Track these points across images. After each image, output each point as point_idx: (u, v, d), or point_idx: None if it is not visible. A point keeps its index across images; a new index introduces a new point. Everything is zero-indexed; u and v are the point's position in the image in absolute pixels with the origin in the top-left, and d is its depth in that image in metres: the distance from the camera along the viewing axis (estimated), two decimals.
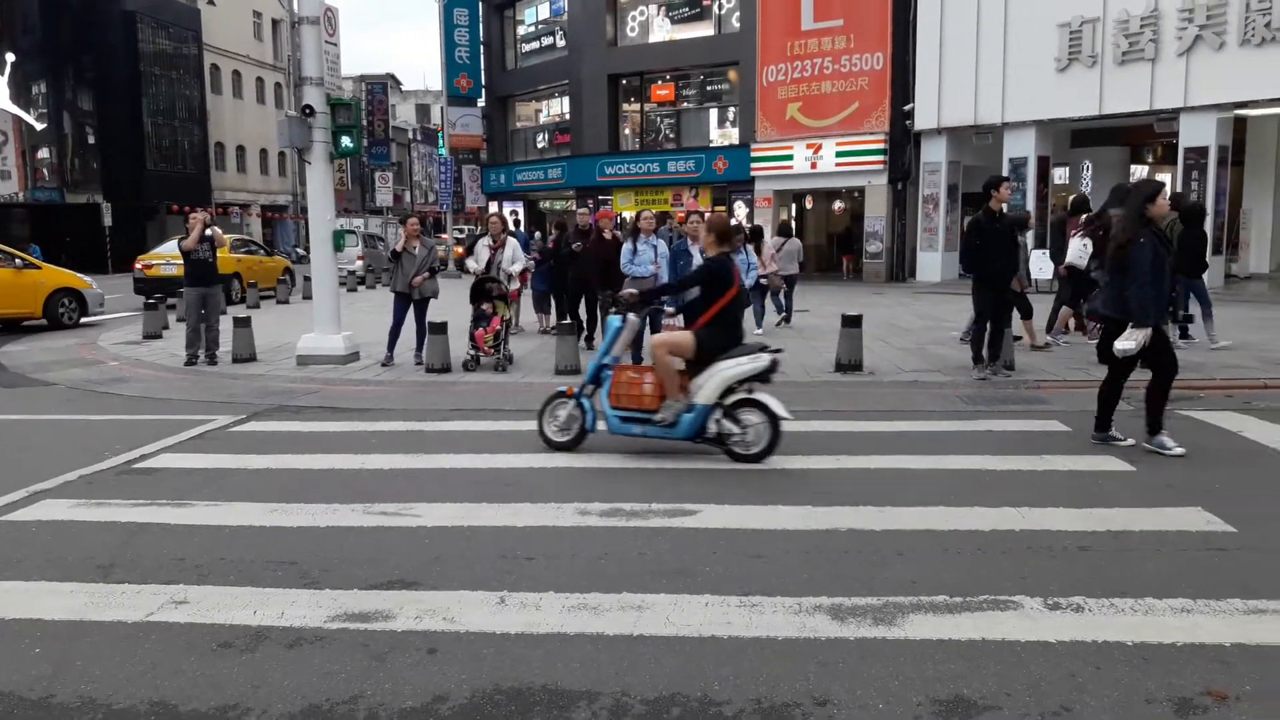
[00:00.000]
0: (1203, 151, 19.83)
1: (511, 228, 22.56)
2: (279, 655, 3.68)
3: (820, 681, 3.39)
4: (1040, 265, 11.63)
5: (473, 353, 10.96)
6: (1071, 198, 13.21)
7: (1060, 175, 25.70)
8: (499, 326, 10.97)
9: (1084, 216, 11.82)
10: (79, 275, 17.96)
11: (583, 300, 12.51)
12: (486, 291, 11.19)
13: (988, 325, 9.66)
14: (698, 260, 9.87)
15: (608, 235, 11.67)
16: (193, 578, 4.50)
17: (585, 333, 12.18)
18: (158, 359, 12.34)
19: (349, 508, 5.57)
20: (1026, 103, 22.29)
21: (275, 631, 3.89)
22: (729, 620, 3.91)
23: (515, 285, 12.08)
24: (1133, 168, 26.53)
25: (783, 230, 15.87)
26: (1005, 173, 22.67)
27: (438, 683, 3.43)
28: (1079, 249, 11.33)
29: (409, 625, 3.92)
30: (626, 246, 10.81)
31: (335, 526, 5.26)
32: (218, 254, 11.87)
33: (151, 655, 3.70)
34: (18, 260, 16.73)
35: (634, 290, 7.71)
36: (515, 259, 12.14)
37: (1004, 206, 9.80)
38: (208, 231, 11.50)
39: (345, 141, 10.97)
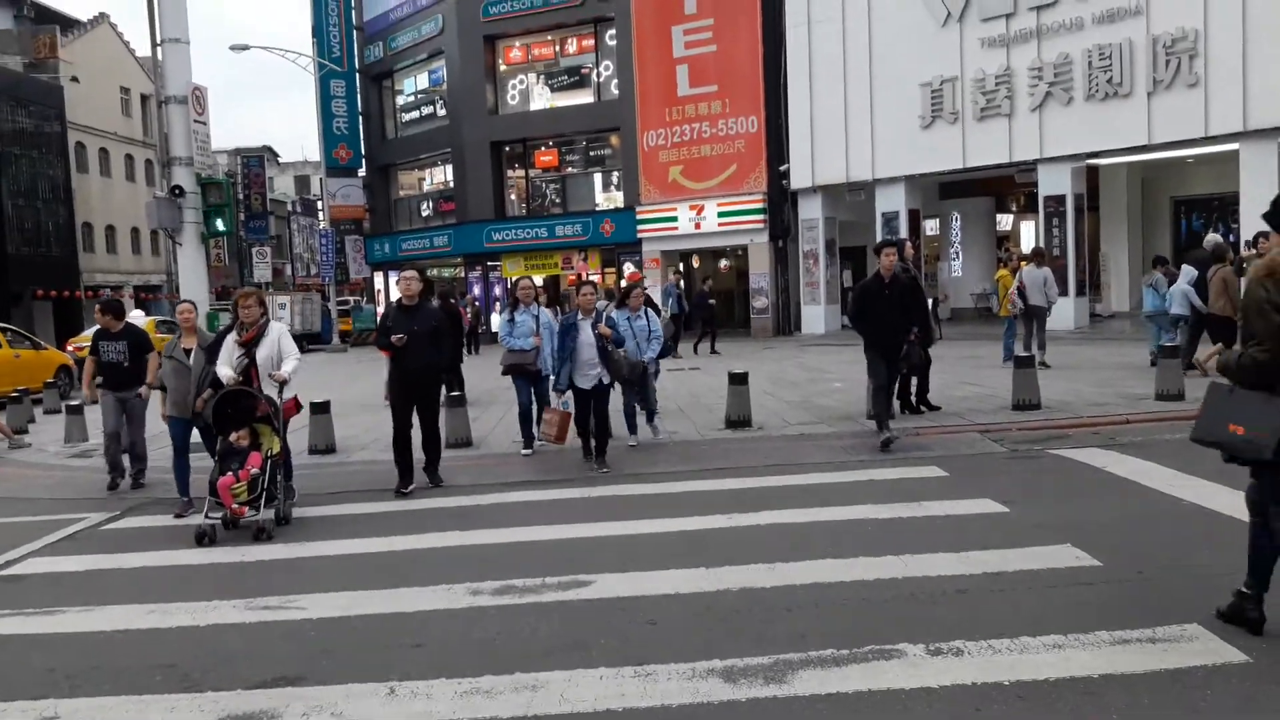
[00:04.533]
0: (1060, 199, 21.07)
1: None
2: None
3: None
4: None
5: (216, 516, 6.85)
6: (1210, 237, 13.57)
7: (931, 227, 26.90)
8: (258, 467, 6.97)
9: (1232, 256, 12.26)
10: (64, 352, 21.01)
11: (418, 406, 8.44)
12: (234, 415, 7.18)
13: (882, 385, 9.15)
14: (587, 334, 8.79)
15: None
16: (64, 690, 4.28)
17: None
18: (24, 455, 11.73)
19: (230, 604, 5.38)
20: (895, 159, 23.32)
21: None
22: (623, 692, 3.91)
23: (291, 394, 7.74)
24: (998, 217, 27.98)
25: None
26: (878, 226, 23.64)
27: None
28: None
29: None
30: (504, 317, 10.10)
31: (217, 624, 5.08)
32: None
33: None
34: (40, 343, 19.74)
35: None
36: (285, 355, 7.49)
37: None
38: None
39: (218, 223, 10.77)
